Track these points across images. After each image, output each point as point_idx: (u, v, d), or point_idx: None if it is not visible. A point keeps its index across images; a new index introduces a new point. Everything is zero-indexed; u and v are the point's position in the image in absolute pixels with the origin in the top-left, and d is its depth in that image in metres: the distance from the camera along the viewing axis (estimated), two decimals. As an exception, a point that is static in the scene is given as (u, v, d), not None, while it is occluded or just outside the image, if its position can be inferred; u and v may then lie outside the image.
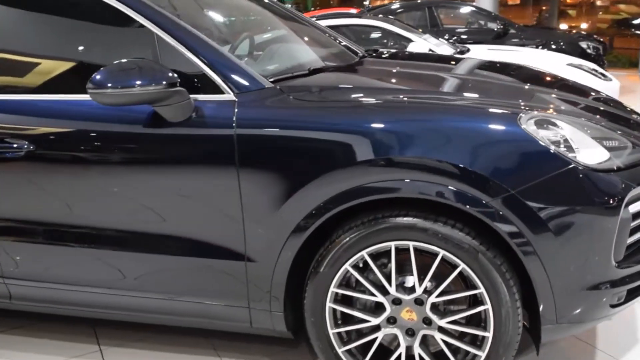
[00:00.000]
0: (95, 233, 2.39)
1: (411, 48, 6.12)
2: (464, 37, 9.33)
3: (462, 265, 2.04)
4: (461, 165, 1.96)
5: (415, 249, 2.07)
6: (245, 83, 2.21)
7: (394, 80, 2.87)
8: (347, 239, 2.12)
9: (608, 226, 2.00)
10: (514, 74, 3.08)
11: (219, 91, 2.19)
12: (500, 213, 1.95)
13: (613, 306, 2.11)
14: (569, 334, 2.33)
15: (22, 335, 2.92)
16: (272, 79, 2.30)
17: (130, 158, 2.29)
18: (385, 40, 6.88)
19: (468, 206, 1.98)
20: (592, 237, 2.00)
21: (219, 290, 2.32)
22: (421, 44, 6.34)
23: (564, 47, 8.60)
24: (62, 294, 2.52)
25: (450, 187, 1.98)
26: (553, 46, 8.68)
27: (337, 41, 3.38)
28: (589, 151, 2.04)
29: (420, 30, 7.47)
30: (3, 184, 2.43)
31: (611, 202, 1.99)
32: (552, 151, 1.98)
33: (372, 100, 2.25)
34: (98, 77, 2.08)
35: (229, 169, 2.13)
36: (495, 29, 9.30)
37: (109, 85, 2.07)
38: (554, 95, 2.62)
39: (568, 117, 2.16)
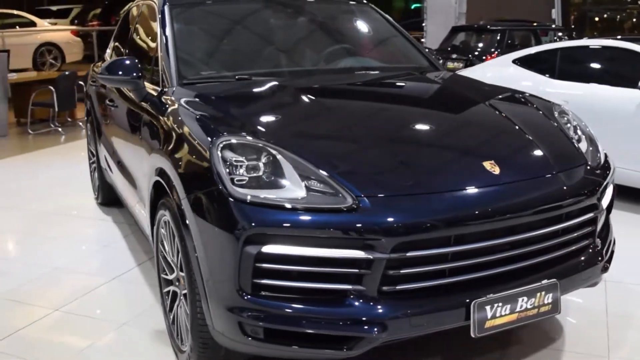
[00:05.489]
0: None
1: None
2: None
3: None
4: (172, 167, 2.49)
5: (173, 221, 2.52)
6: (169, 82, 3.13)
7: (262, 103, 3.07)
8: (160, 200, 2.74)
9: (230, 253, 2.11)
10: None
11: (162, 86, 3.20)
12: (188, 206, 2.33)
13: (249, 336, 2.17)
14: (244, 352, 2.35)
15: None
16: (188, 81, 3.12)
17: (127, 110, 3.65)
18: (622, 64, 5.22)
19: (173, 195, 2.49)
20: (221, 257, 2.17)
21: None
22: None
23: None
24: None
25: (170, 178, 2.52)
26: None
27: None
28: (289, 185, 2.16)
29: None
30: None
31: (235, 232, 2.09)
32: (215, 171, 2.22)
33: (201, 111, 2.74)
34: (104, 65, 3.22)
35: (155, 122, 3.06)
36: None
37: (105, 72, 3.19)
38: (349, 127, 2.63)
39: (284, 151, 2.26)
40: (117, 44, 4.66)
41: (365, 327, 2.10)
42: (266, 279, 2.14)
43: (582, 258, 2.52)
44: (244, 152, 2.28)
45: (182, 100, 2.90)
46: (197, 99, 2.92)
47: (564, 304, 3.22)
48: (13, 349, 2.97)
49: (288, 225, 2.09)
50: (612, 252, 2.79)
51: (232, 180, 2.21)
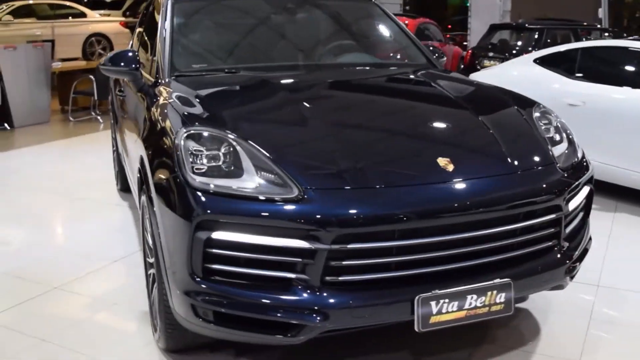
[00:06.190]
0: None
1: None
2: None
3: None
4: (146, 155, 2.67)
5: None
6: (162, 74, 3.25)
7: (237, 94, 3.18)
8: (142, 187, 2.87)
9: (185, 238, 2.20)
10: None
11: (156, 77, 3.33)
12: (154, 192, 2.47)
13: (201, 319, 2.28)
14: (200, 334, 2.42)
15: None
16: (179, 74, 3.23)
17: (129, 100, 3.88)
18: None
19: (146, 181, 2.63)
20: (177, 241, 2.27)
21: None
22: None
23: None
24: None
25: (144, 166, 2.68)
26: None
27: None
28: (245, 175, 2.27)
29: None
30: None
31: (188, 218, 2.19)
32: (175, 158, 2.33)
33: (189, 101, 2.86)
34: (108, 57, 3.42)
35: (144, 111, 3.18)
36: None
37: (108, 63, 3.36)
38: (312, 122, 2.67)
39: (243, 142, 2.36)
40: (140, 29, 4.86)
41: (308, 315, 2.17)
42: (216, 264, 2.23)
43: (544, 259, 2.50)
44: (205, 142, 2.39)
45: (168, 92, 3.01)
46: (180, 92, 3.02)
47: (549, 305, 3.25)
48: (10, 323, 3.16)
49: (236, 212, 2.18)
50: (584, 252, 2.76)
51: (192, 168, 2.31)
